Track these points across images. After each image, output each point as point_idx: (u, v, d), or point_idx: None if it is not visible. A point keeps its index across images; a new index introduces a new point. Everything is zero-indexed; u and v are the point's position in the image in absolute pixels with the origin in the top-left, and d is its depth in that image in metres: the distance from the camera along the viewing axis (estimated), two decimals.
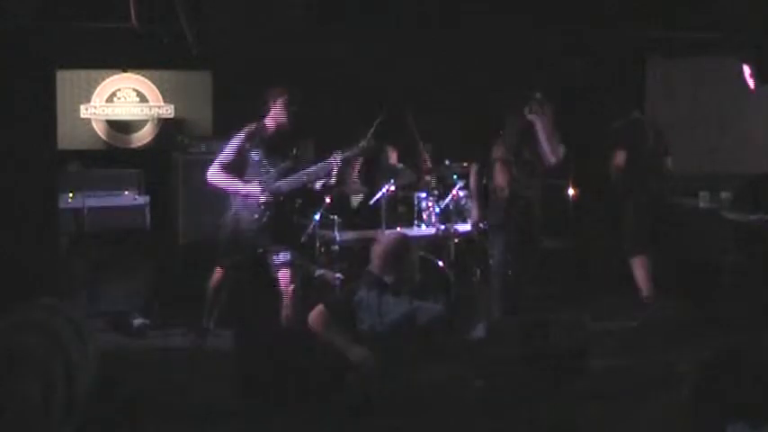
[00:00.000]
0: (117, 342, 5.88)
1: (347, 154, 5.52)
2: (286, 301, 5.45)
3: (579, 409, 4.40)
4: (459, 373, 4.52)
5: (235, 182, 5.46)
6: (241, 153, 5.48)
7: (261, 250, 5.50)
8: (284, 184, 5.50)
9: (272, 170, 5.50)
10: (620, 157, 6.30)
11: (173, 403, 4.56)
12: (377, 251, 4.73)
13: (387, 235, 5.15)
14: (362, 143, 5.60)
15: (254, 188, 5.44)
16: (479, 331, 5.09)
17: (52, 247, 5.77)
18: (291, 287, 5.45)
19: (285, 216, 5.58)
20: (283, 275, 5.45)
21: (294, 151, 5.63)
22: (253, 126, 5.54)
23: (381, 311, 4.50)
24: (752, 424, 1.66)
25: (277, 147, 5.54)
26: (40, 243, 5.51)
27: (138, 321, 6.13)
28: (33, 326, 1.49)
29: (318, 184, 5.58)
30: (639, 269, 6.35)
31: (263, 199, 5.43)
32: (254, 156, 5.48)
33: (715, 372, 1.74)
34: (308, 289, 5.81)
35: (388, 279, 4.63)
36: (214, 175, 5.47)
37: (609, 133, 6.52)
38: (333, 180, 5.55)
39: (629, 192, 6.44)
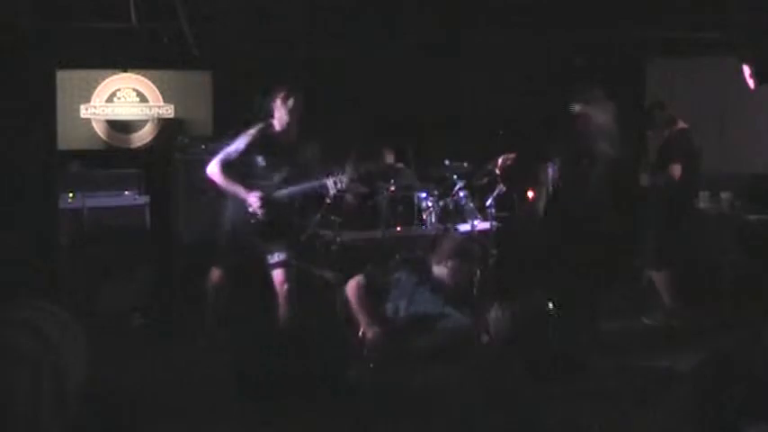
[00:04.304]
0: (117, 342, 5.87)
1: (337, 180, 5.41)
2: (281, 300, 5.44)
3: (579, 409, 4.39)
4: (459, 373, 4.51)
5: (235, 186, 5.41)
6: (245, 155, 5.41)
7: (258, 250, 5.48)
8: (283, 195, 5.45)
9: (275, 176, 5.46)
10: (676, 170, 6.16)
11: (173, 403, 4.56)
12: (445, 245, 4.68)
13: (459, 234, 5.07)
14: (349, 172, 5.49)
15: (253, 197, 5.37)
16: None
17: (52, 247, 5.77)
18: (286, 287, 5.42)
19: (282, 217, 5.55)
20: (278, 275, 5.43)
21: (308, 153, 5.56)
22: (260, 126, 5.47)
23: (413, 299, 4.46)
24: None
25: (281, 152, 5.46)
26: (40, 243, 5.50)
27: (138, 321, 6.13)
28: (18, 323, 1.49)
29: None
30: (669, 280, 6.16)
31: (260, 205, 5.39)
32: (259, 160, 5.43)
33: (720, 372, 1.73)
34: (307, 289, 5.80)
35: (436, 272, 4.59)
36: (214, 171, 5.42)
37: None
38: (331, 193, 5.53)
39: (686, 202, 6.31)
